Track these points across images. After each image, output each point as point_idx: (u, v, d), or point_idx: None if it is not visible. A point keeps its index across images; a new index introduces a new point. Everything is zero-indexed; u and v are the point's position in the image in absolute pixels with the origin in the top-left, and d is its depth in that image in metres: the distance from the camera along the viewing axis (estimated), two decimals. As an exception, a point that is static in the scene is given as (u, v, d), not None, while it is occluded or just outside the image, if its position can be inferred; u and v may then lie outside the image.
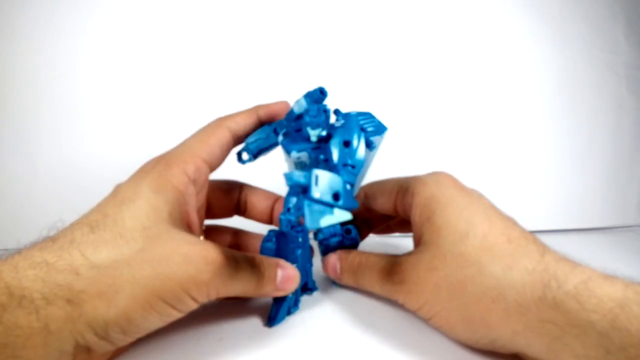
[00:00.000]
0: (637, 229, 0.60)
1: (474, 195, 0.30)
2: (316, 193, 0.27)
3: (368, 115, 0.34)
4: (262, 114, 0.33)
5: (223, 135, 0.31)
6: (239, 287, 0.27)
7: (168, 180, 0.27)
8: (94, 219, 0.24)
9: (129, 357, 0.27)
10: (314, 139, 0.31)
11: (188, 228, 0.28)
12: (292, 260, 0.31)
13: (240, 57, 0.53)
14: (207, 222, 0.36)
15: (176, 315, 0.24)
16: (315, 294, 0.36)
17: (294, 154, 0.31)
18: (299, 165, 0.33)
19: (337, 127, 0.32)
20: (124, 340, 0.23)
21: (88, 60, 0.50)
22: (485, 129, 0.58)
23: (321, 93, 0.30)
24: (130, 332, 0.23)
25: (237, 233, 0.37)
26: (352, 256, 0.33)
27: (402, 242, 0.49)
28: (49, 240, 0.23)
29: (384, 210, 0.35)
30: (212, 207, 0.35)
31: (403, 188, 0.33)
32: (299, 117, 0.31)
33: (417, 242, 0.31)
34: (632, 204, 0.61)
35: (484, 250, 0.26)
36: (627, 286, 0.22)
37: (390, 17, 0.55)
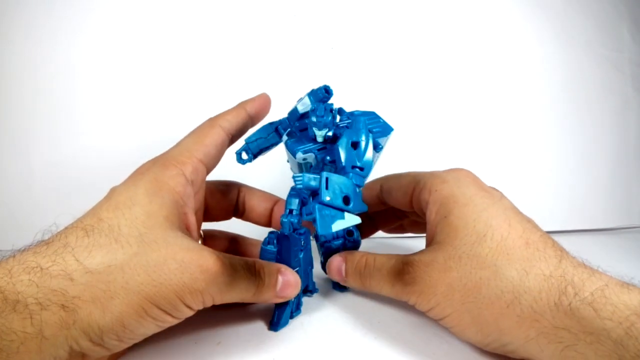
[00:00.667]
0: (642, 230, 0.60)
1: (495, 196, 0.29)
2: (327, 197, 0.26)
3: (373, 115, 0.33)
4: (250, 109, 0.32)
5: (218, 135, 0.30)
6: (237, 294, 0.26)
7: (164, 182, 0.27)
8: (89, 223, 0.24)
9: (126, 360, 0.26)
10: (320, 139, 0.30)
11: (186, 230, 0.28)
12: (295, 264, 0.31)
13: (237, 52, 0.52)
14: (205, 226, 0.35)
15: (171, 321, 0.24)
16: (315, 296, 0.35)
17: (300, 155, 0.31)
18: (304, 166, 0.32)
19: (343, 128, 0.31)
20: (119, 346, 0.23)
21: (84, 60, 0.49)
22: (489, 128, 0.57)
23: (326, 92, 0.29)
24: (125, 338, 0.23)
25: (235, 239, 0.37)
26: (357, 257, 0.32)
27: (404, 243, 0.49)
28: (43, 245, 0.23)
29: (399, 205, 0.35)
30: (210, 209, 0.35)
31: (420, 184, 0.32)
32: (303, 116, 0.30)
33: (430, 240, 0.30)
34: (637, 204, 0.61)
35: (501, 253, 0.25)
36: None
37: (394, 16, 0.55)
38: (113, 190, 0.27)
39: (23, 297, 0.20)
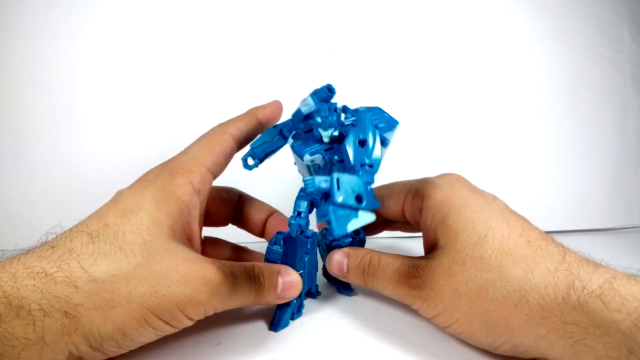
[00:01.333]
0: (642, 229, 0.60)
1: (489, 197, 0.29)
2: (339, 197, 0.26)
3: (377, 110, 0.33)
4: (261, 116, 0.32)
5: (227, 144, 0.30)
6: (238, 301, 0.26)
7: (172, 191, 0.27)
8: (95, 229, 0.24)
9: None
10: (326, 139, 0.30)
11: (188, 241, 0.28)
12: (300, 267, 0.31)
13: (237, 52, 0.52)
14: (206, 231, 0.35)
15: (170, 330, 0.24)
16: (316, 298, 0.35)
17: (307, 157, 0.30)
18: (312, 167, 0.32)
19: (349, 126, 0.31)
20: (116, 352, 0.24)
21: (85, 60, 0.49)
22: (489, 129, 0.57)
23: (329, 91, 0.29)
24: (124, 346, 0.23)
25: (236, 249, 0.37)
26: (361, 254, 0.32)
27: (404, 243, 0.49)
28: (48, 248, 0.23)
29: (391, 214, 0.34)
30: (210, 215, 0.35)
31: (412, 190, 0.32)
32: (307, 117, 0.30)
33: (430, 246, 0.30)
34: (637, 204, 0.61)
35: (504, 253, 0.25)
36: None
37: (394, 16, 0.55)
38: (120, 195, 0.27)
39: (27, 303, 0.20)
